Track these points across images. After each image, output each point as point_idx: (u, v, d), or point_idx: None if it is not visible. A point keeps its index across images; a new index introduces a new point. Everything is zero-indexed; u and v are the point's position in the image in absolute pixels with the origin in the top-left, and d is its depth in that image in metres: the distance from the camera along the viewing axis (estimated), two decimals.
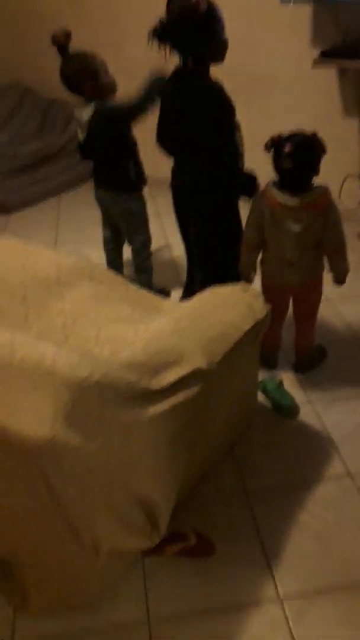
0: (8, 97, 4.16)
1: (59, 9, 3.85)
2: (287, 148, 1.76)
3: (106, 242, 2.69)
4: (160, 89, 2.00)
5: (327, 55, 2.67)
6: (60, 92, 4.15)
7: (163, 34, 1.78)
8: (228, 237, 2.13)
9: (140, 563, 1.54)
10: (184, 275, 2.53)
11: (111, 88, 2.27)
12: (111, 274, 2.03)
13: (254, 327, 1.57)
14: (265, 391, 2.06)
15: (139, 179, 2.43)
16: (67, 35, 2.22)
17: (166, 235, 3.20)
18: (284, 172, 1.83)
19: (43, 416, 1.08)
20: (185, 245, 2.32)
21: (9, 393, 1.13)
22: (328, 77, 2.88)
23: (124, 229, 2.57)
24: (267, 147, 1.83)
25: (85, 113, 2.25)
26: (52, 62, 3.94)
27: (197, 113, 1.85)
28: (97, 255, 2.84)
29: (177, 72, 1.92)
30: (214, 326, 1.51)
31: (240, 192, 2.04)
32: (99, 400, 1.15)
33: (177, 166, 2.06)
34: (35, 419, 1.08)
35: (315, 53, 2.75)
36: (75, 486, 1.14)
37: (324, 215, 1.85)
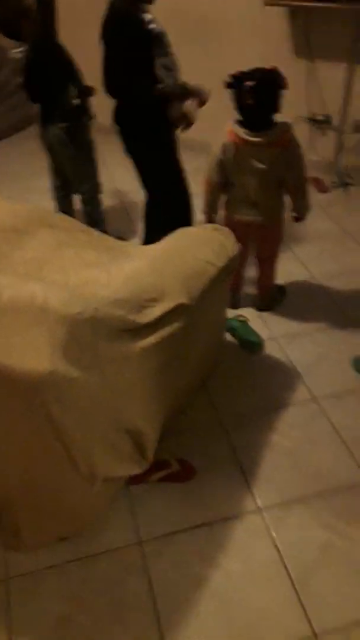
0: None
1: None
2: (249, 84, 1.79)
3: (56, 190, 2.61)
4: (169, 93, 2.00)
5: None
6: None
7: None
8: (170, 171, 2.16)
9: (126, 491, 1.64)
10: (137, 224, 2.53)
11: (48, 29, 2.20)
12: (71, 220, 2.01)
13: (227, 264, 1.64)
14: (231, 329, 2.17)
15: (84, 107, 2.34)
16: None
17: (114, 182, 3.19)
18: (246, 109, 1.86)
19: (41, 351, 1.12)
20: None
21: (3, 332, 1.15)
22: (278, 17, 2.89)
23: (68, 171, 2.48)
24: (228, 85, 1.85)
25: (20, 53, 2.23)
26: None
27: (115, 41, 1.89)
28: (46, 205, 2.79)
29: (112, 4, 1.92)
30: (191, 264, 1.57)
31: (163, 114, 2.04)
32: (93, 334, 1.20)
33: (115, 101, 2.07)
34: (34, 355, 1.12)
35: None
36: (74, 416, 1.20)
37: (286, 151, 1.91)
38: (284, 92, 1.85)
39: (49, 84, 2.27)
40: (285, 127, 1.91)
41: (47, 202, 2.75)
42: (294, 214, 2.08)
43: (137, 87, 1.95)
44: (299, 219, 2.09)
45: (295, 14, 2.86)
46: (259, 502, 1.62)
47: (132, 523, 1.58)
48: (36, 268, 1.71)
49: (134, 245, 2.09)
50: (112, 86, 2.00)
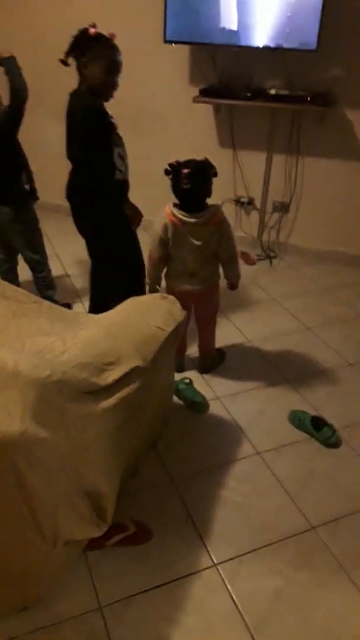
0: None
1: None
2: (185, 171, 2.03)
3: (0, 264, 2.71)
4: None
5: (205, 94, 3.04)
6: None
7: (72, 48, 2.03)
8: (118, 248, 2.31)
9: (83, 557, 1.64)
10: (80, 290, 2.66)
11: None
12: (22, 292, 2.09)
13: (175, 329, 1.78)
14: (177, 391, 2.28)
15: (32, 191, 2.55)
16: None
17: (55, 250, 3.34)
18: (182, 193, 2.09)
19: (12, 413, 1.17)
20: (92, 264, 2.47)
21: None
22: (205, 112, 3.27)
23: (19, 244, 2.60)
24: (167, 172, 2.08)
25: None
26: None
27: (78, 129, 2.08)
28: None
29: (74, 93, 2.13)
30: (143, 329, 1.69)
31: (112, 201, 2.20)
32: (60, 396, 1.27)
33: (70, 179, 2.23)
34: (5, 417, 1.17)
35: (195, 90, 3.12)
36: (42, 477, 1.24)
37: (218, 229, 2.14)
38: (215, 179, 2.11)
39: (3, 171, 2.42)
40: (217, 209, 2.15)
41: None
42: (228, 283, 2.30)
43: (100, 171, 2.11)
44: (232, 287, 2.31)
45: (219, 110, 3.25)
46: (214, 558, 1.68)
47: (91, 588, 1.58)
48: None
49: (84, 314, 2.19)
50: (75, 169, 2.15)
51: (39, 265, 2.69)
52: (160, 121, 3.33)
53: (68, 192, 2.25)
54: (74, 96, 2.12)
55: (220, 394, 2.35)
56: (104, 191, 2.15)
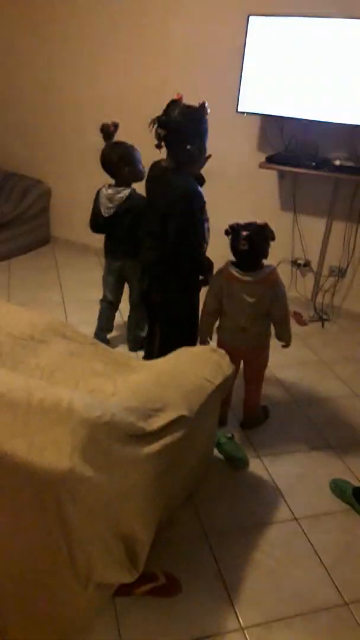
0: None
1: (21, 88, 4.21)
2: (244, 233, 2.13)
3: (106, 302, 3.00)
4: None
5: (271, 161, 3.18)
6: (18, 167, 4.48)
7: (164, 129, 2.04)
8: (188, 313, 2.40)
9: (111, 602, 1.65)
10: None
11: (140, 176, 2.61)
12: (81, 333, 2.21)
13: (223, 382, 1.83)
14: (219, 445, 2.29)
15: None
16: (116, 126, 2.58)
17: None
18: (239, 254, 2.18)
19: (62, 450, 1.24)
20: (148, 311, 2.57)
21: (29, 429, 1.28)
22: (270, 177, 3.41)
23: (134, 286, 2.90)
24: (227, 232, 2.18)
25: (120, 194, 2.63)
26: (11, 138, 4.33)
27: (177, 208, 2.13)
28: (56, 315, 3.04)
29: (164, 166, 2.18)
30: (191, 379, 1.75)
31: (199, 272, 2.33)
32: (108, 437, 1.33)
33: (153, 244, 2.30)
34: (56, 452, 1.23)
35: (262, 157, 3.28)
36: (83, 516, 1.29)
37: (272, 289, 2.20)
38: (273, 240, 2.19)
39: (129, 231, 2.69)
40: (272, 270, 2.22)
41: (55, 312, 2.99)
42: (282, 343, 2.33)
43: (194, 245, 2.22)
44: (285, 345, 2.34)
45: (284, 176, 3.38)
46: (242, 621, 1.64)
47: (116, 636, 1.57)
48: (48, 374, 1.88)
49: (137, 360, 2.27)
50: (165, 243, 2.20)
51: (140, 308, 2.90)
52: (227, 182, 3.50)
53: (149, 262, 2.34)
54: (172, 176, 2.14)
55: (261, 453, 2.34)
56: (196, 262, 2.27)
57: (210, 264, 2.31)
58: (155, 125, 2.05)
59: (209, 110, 2.09)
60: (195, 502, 2.05)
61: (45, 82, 4.08)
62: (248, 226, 2.16)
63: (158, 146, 2.09)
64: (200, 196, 2.16)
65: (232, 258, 2.22)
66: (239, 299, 2.21)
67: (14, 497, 1.31)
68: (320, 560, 1.86)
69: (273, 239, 2.20)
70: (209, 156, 2.17)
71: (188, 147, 2.07)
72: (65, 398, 1.34)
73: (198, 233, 2.22)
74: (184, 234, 2.17)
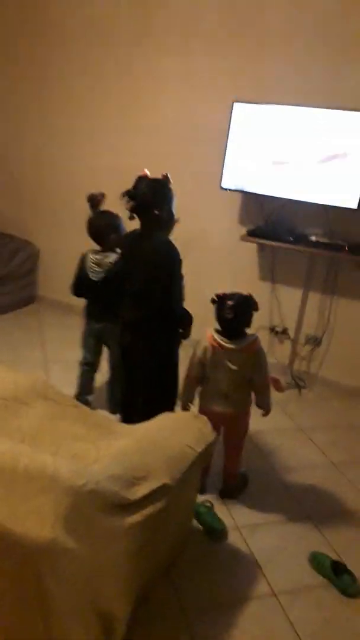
0: None
1: (13, 151, 4.39)
2: (229, 303, 2.21)
3: (86, 364, 3.01)
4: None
5: (252, 234, 3.35)
6: (8, 228, 4.58)
7: (134, 203, 2.25)
8: (170, 368, 2.44)
9: None
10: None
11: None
12: (64, 395, 2.21)
13: (205, 449, 1.84)
14: (197, 514, 2.26)
15: None
16: (103, 196, 2.72)
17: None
18: (224, 322, 2.26)
19: (45, 519, 1.23)
20: (126, 370, 2.60)
21: (11, 497, 1.27)
22: (250, 249, 3.56)
23: (113, 350, 2.93)
24: (213, 301, 2.27)
25: (108, 259, 2.73)
26: (3, 200, 4.43)
27: (163, 271, 2.27)
28: (38, 374, 3.03)
29: (139, 233, 2.35)
30: (173, 446, 1.76)
31: (180, 326, 2.42)
32: (91, 506, 1.33)
33: (135, 304, 2.40)
34: (38, 522, 1.22)
35: (242, 230, 3.45)
36: (63, 589, 1.25)
37: (254, 357, 2.27)
38: (256, 313, 2.29)
39: (115, 300, 2.70)
40: (255, 339, 2.29)
41: (38, 372, 2.98)
42: (263, 411, 2.37)
43: (178, 302, 2.36)
44: (265, 413, 2.38)
45: (263, 248, 3.55)
46: None
47: None
48: (30, 437, 1.86)
49: (119, 423, 2.27)
50: (150, 302, 2.32)
51: (121, 370, 2.88)
52: (209, 252, 3.65)
53: (133, 321, 2.42)
54: (147, 240, 2.31)
55: (239, 523, 2.31)
56: (179, 318, 2.39)
57: (190, 317, 2.41)
58: (125, 198, 2.27)
59: (171, 181, 2.28)
60: (173, 575, 2.00)
61: (40, 149, 4.26)
62: (233, 296, 2.25)
63: (130, 217, 2.31)
64: (178, 254, 2.29)
65: (217, 326, 2.30)
66: (222, 365, 2.27)
67: None
68: (299, 637, 1.81)
69: (257, 309, 2.29)
70: (177, 220, 2.35)
71: (156, 212, 2.26)
72: (50, 465, 1.34)
73: (181, 288, 2.36)
74: (168, 291, 2.29)
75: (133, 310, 2.40)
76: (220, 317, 2.26)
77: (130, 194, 2.27)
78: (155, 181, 2.29)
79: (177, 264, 2.30)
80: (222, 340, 2.25)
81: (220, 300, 2.26)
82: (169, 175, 2.30)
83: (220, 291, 2.29)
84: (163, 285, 2.28)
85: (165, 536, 1.76)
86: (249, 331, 2.32)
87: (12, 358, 3.51)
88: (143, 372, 2.48)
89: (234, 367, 2.26)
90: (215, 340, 2.26)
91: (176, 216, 2.34)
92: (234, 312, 2.21)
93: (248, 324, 2.29)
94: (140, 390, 2.52)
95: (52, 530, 1.22)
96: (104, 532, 1.37)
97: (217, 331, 2.29)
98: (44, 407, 2.06)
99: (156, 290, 2.29)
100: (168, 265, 2.28)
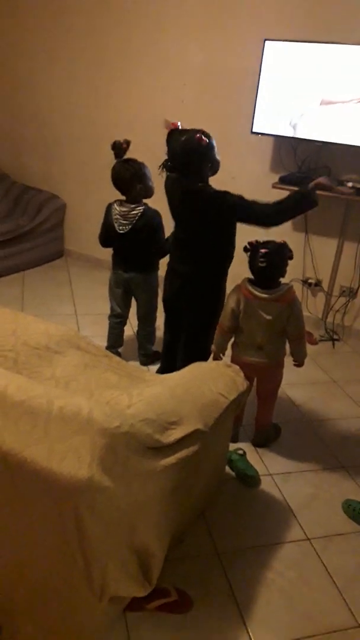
0: None
1: (39, 104, 4.31)
2: (262, 250, 2.14)
3: (116, 316, 3.02)
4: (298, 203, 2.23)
5: (284, 181, 3.22)
6: (34, 182, 4.55)
7: (173, 168, 2.17)
8: (214, 318, 2.39)
9: (122, 617, 1.63)
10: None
11: (151, 193, 2.69)
12: (95, 346, 2.22)
13: (237, 398, 1.83)
14: (230, 461, 2.28)
15: (158, 262, 2.88)
16: (128, 143, 2.62)
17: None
18: (257, 271, 2.19)
19: (82, 458, 1.24)
20: (170, 319, 2.58)
21: (49, 437, 1.29)
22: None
23: (141, 302, 2.95)
24: (246, 249, 2.21)
25: (134, 211, 2.67)
26: (28, 153, 4.39)
27: (216, 217, 2.20)
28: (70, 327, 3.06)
29: (186, 187, 2.23)
30: (206, 394, 1.75)
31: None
32: (126, 448, 1.34)
33: (186, 256, 2.36)
34: (75, 461, 1.24)
35: (274, 177, 3.32)
36: (101, 527, 1.28)
37: (289, 308, 2.21)
38: (290, 261, 2.21)
39: (149, 253, 2.76)
40: (289, 288, 2.23)
41: (68, 325, 3.00)
42: (295, 361, 2.33)
43: (231, 245, 2.30)
44: (298, 364, 2.34)
45: None
46: None
47: None
48: (63, 384, 1.89)
49: (150, 372, 2.28)
50: (200, 252, 2.30)
51: (148, 321, 3.00)
52: None
53: (185, 271, 2.37)
54: (201, 193, 2.20)
55: (272, 471, 2.32)
56: (227, 262, 2.35)
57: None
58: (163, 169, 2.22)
59: (205, 142, 2.13)
60: (208, 519, 2.04)
61: (62, 100, 4.17)
62: (267, 244, 2.18)
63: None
64: (234, 203, 2.20)
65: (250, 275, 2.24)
66: (255, 316, 2.22)
67: (32, 505, 1.31)
68: (333, 581, 1.83)
69: (291, 258, 2.22)
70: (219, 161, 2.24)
71: (201, 170, 2.17)
72: (85, 407, 1.34)
73: (234, 236, 2.30)
74: (218, 238, 2.26)
75: (184, 261, 2.36)
76: (253, 266, 2.20)
77: (168, 167, 2.19)
78: (186, 141, 2.13)
79: (233, 213, 2.21)
80: (255, 290, 2.20)
81: (253, 249, 2.19)
82: (179, 125, 2.18)
83: (253, 239, 2.22)
84: (216, 235, 2.24)
85: (198, 480, 1.78)
86: (283, 281, 2.25)
87: (43, 312, 3.54)
88: (186, 324, 2.45)
89: (268, 318, 2.21)
90: (248, 290, 2.21)
91: (218, 157, 2.22)
92: (268, 260, 2.14)
93: (282, 273, 2.23)
94: (179, 341, 2.51)
95: (89, 470, 1.23)
96: (138, 473, 1.38)
97: (250, 281, 2.24)
98: (76, 356, 2.07)
99: (210, 240, 2.25)
100: (223, 211, 2.19)
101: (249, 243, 2.20)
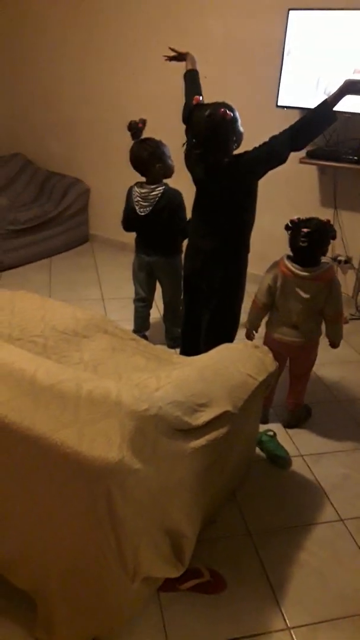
0: (9, 166, 4.47)
1: (60, 88, 4.28)
2: (304, 230, 2.08)
3: (141, 300, 3.01)
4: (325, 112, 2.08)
5: (312, 156, 3.13)
6: (58, 167, 4.55)
7: (198, 144, 2.08)
8: (237, 297, 2.36)
9: (156, 597, 1.65)
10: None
11: (171, 172, 2.64)
12: (123, 329, 2.21)
13: (266, 379, 1.80)
14: (260, 443, 2.26)
15: (181, 246, 2.79)
16: (144, 122, 2.58)
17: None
18: (298, 249, 2.14)
19: (112, 441, 1.24)
20: (189, 307, 2.53)
21: (78, 420, 1.29)
22: (310, 173, 3.35)
23: (165, 286, 2.92)
24: (287, 227, 2.15)
25: (154, 192, 2.63)
26: (51, 138, 4.37)
27: (244, 186, 2.14)
28: (98, 312, 3.08)
29: (211, 163, 2.13)
30: (235, 375, 1.73)
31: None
32: (155, 430, 1.33)
33: (209, 232, 2.27)
34: (105, 443, 1.24)
35: (302, 152, 3.22)
36: (132, 508, 1.29)
37: (328, 287, 2.15)
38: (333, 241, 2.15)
39: (171, 236, 2.72)
40: (329, 267, 2.16)
41: (95, 309, 3.02)
42: (330, 342, 2.28)
43: (246, 222, 2.24)
44: (333, 345, 2.29)
45: (324, 171, 3.32)
46: (288, 621, 1.61)
47: (160, 630, 1.57)
48: (92, 368, 1.89)
49: (179, 355, 2.27)
50: (222, 229, 2.23)
51: (175, 303, 2.94)
52: (266, 177, 3.44)
53: (207, 248, 2.29)
54: (227, 167, 2.11)
55: (303, 452, 2.30)
56: (247, 238, 2.28)
57: None
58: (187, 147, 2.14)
59: (230, 115, 2.04)
60: (239, 500, 2.03)
61: (81, 84, 4.14)
62: (309, 222, 2.12)
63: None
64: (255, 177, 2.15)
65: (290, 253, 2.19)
66: (293, 294, 2.17)
67: (63, 487, 1.32)
68: None
69: (334, 238, 2.15)
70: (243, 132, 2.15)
71: (227, 145, 2.08)
72: (114, 390, 1.34)
73: (254, 204, 2.23)
74: (242, 217, 2.19)
75: (206, 236, 2.29)
76: (294, 244, 2.15)
77: (192, 145, 2.09)
78: (211, 116, 2.02)
79: (254, 186, 2.17)
80: (294, 267, 2.15)
81: (295, 227, 2.13)
82: (201, 99, 2.13)
83: (295, 216, 2.15)
84: (238, 211, 2.18)
85: (228, 462, 1.77)
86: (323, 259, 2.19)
87: (70, 296, 3.56)
88: (209, 301, 2.38)
89: (306, 296, 2.16)
90: (287, 267, 2.16)
91: (242, 129, 2.13)
92: (310, 240, 2.08)
93: (324, 252, 2.16)
94: (202, 320, 2.46)
95: (119, 452, 1.23)
96: (168, 455, 1.38)
97: (290, 258, 2.18)
98: (104, 340, 2.08)
99: (232, 216, 2.19)
100: (249, 181, 2.14)
101: (291, 221, 2.13)
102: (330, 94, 2.07)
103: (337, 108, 2.06)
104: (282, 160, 2.07)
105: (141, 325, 3.04)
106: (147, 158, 2.58)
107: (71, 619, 1.48)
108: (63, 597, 1.46)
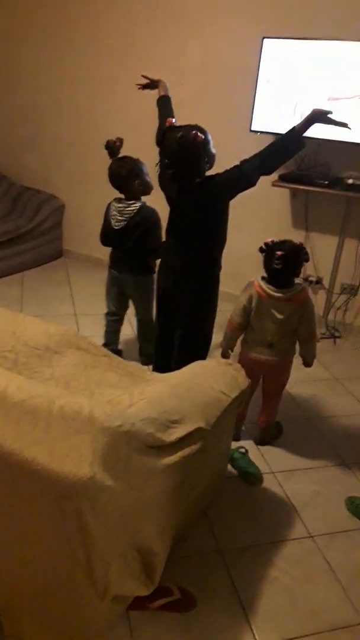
0: None
1: (37, 104, 4.30)
2: (278, 253, 2.13)
3: (110, 315, 3.02)
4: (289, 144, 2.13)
5: (284, 179, 3.22)
6: (32, 182, 4.54)
7: (170, 165, 2.13)
8: (209, 315, 2.39)
9: (125, 616, 1.63)
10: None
11: (149, 188, 2.67)
12: (96, 345, 2.21)
13: (239, 395, 1.83)
14: (232, 460, 2.28)
15: (154, 265, 2.82)
16: (121, 141, 2.63)
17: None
18: (272, 271, 2.18)
19: (83, 457, 1.24)
20: (164, 316, 2.53)
21: (50, 437, 1.28)
22: (282, 195, 3.44)
23: (136, 303, 2.95)
24: (262, 250, 2.19)
25: (130, 207, 2.66)
26: (26, 154, 4.37)
27: (216, 209, 2.19)
28: (70, 327, 3.05)
29: (183, 183, 2.19)
30: (208, 392, 1.75)
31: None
32: (127, 447, 1.33)
33: (182, 250, 2.31)
34: (76, 460, 1.23)
35: (274, 175, 3.31)
36: (103, 525, 1.28)
37: (301, 308, 2.21)
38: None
39: (142, 254, 2.73)
40: (302, 288, 2.22)
41: (67, 325, 3.00)
42: (304, 361, 2.34)
43: (223, 239, 2.28)
44: (307, 364, 2.34)
45: (295, 194, 3.42)
46: (258, 639, 1.61)
47: None
48: (63, 384, 1.89)
49: (151, 372, 2.28)
50: (193, 247, 2.28)
51: (147, 321, 2.96)
52: (239, 199, 3.51)
53: (178, 266, 2.33)
54: (199, 187, 2.16)
55: (275, 469, 2.32)
56: (219, 257, 2.32)
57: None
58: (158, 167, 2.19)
59: (201, 137, 2.09)
60: (210, 517, 2.03)
61: (59, 101, 4.17)
62: (283, 245, 2.17)
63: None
64: (227, 197, 2.19)
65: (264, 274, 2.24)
66: (268, 314, 2.22)
67: (33, 505, 1.30)
68: (337, 578, 1.83)
69: (307, 260, 2.21)
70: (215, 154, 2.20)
71: (199, 166, 2.13)
72: (86, 406, 1.34)
73: (225, 227, 2.27)
74: (214, 235, 2.24)
75: (178, 255, 2.33)
76: (268, 266, 2.19)
77: (165, 165, 2.15)
78: (182, 139, 2.06)
79: (226, 206, 2.21)
80: (269, 289, 2.19)
81: (269, 249, 2.18)
82: (197, 133, 2.11)
83: (269, 239, 2.20)
84: (210, 230, 2.22)
85: (200, 479, 1.78)
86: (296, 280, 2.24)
87: (43, 312, 3.54)
88: (181, 318, 2.40)
89: (280, 317, 2.20)
90: (262, 288, 2.21)
91: (214, 151, 2.18)
92: (284, 262, 2.13)
93: (297, 274, 2.22)
94: (174, 338, 2.48)
95: (91, 468, 1.23)
96: (140, 472, 1.38)
97: (264, 279, 2.23)
98: (76, 356, 2.07)
99: (203, 235, 2.23)
100: (221, 202, 2.19)
101: (265, 244, 2.18)
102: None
103: (308, 134, 2.12)
104: (251, 183, 2.12)
105: (110, 340, 3.03)
106: (126, 175, 2.62)
107: (40, 636, 1.45)
108: (32, 615, 1.43)
